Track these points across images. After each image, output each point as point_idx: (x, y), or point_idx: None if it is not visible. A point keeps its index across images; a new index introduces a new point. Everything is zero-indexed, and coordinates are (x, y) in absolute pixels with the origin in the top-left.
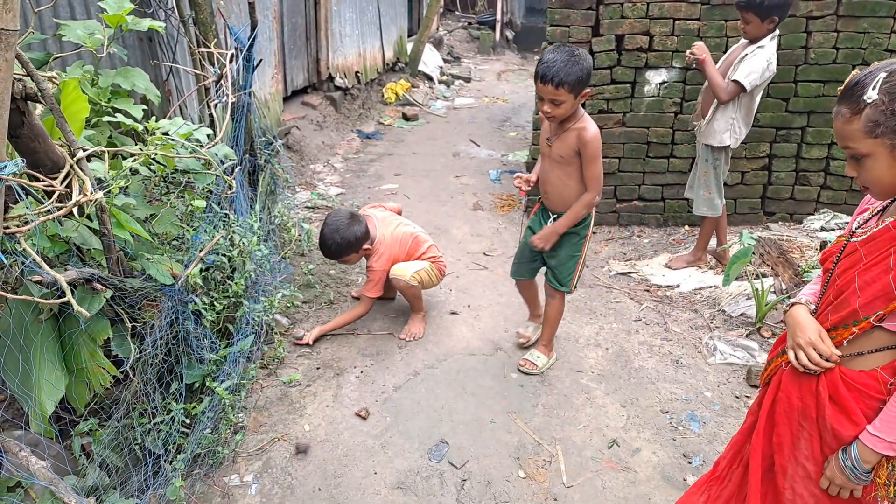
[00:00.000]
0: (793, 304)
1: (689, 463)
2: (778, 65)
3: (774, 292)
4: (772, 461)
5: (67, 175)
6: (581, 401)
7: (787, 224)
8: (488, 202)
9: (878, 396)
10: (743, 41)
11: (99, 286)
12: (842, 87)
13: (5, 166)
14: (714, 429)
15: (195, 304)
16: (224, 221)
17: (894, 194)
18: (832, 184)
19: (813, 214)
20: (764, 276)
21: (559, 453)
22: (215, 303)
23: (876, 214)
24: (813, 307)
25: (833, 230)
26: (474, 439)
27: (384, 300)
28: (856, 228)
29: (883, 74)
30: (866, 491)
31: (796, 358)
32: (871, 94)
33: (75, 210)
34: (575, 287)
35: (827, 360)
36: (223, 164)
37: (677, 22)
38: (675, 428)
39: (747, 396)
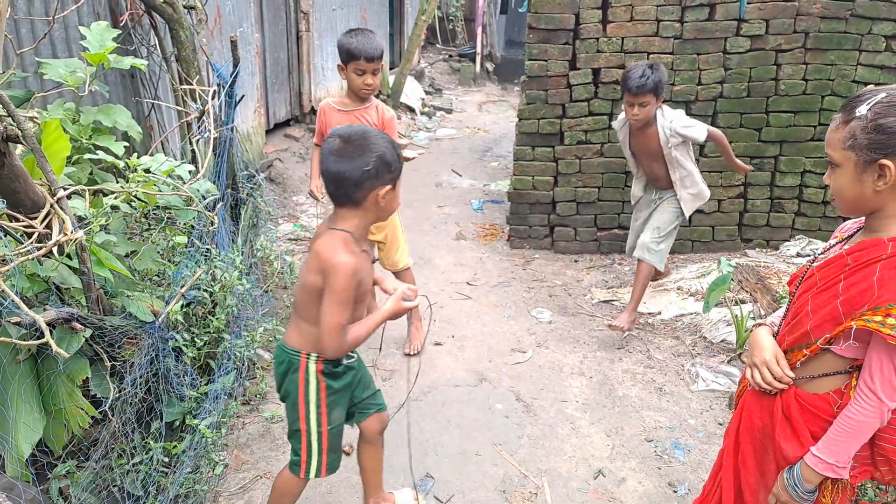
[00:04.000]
0: (757, 325)
1: (675, 492)
2: (749, 96)
3: (753, 318)
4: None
5: (47, 214)
6: (566, 431)
7: (764, 250)
8: (471, 231)
9: (829, 419)
10: (632, 126)
11: (78, 325)
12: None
13: None
14: (698, 456)
15: (176, 340)
16: (206, 256)
17: (855, 212)
18: (806, 210)
19: (789, 241)
20: (743, 302)
21: (545, 485)
22: (196, 339)
23: (841, 242)
24: (776, 329)
25: (808, 256)
26: (460, 472)
27: None
28: (819, 254)
29: (882, 95)
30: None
31: (752, 376)
32: (862, 109)
33: (55, 249)
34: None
35: (779, 380)
36: (205, 199)
37: (651, 56)
38: (659, 456)
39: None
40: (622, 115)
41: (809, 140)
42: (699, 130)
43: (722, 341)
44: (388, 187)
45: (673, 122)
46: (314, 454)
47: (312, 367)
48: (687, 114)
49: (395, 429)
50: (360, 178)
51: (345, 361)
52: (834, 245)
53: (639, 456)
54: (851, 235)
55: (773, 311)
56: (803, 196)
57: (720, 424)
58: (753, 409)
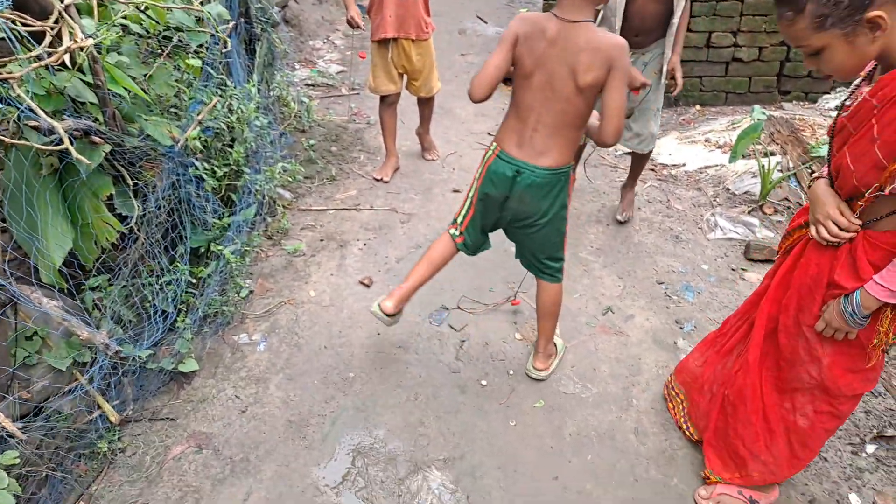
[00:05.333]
0: (815, 179)
1: (681, 328)
2: None
3: (781, 171)
4: (777, 323)
5: (57, 21)
6: (579, 272)
7: (801, 103)
8: None
9: (893, 251)
10: None
11: (97, 139)
12: None
13: None
14: (707, 298)
15: (196, 168)
16: (221, 89)
17: (857, 73)
18: None
19: (829, 93)
20: (772, 154)
21: None
22: (216, 169)
23: (864, 80)
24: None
25: None
26: (473, 305)
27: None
28: (846, 102)
29: None
30: (867, 339)
31: (818, 233)
32: None
33: (67, 59)
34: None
35: (847, 230)
36: (217, 24)
37: None
38: (669, 297)
39: (743, 269)
40: None
41: None
42: None
43: (745, 192)
44: None
45: None
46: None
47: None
48: None
49: (410, 265)
50: None
51: None
52: (857, 86)
53: (648, 296)
54: (871, 73)
55: (803, 164)
56: None
57: (733, 270)
58: (812, 257)
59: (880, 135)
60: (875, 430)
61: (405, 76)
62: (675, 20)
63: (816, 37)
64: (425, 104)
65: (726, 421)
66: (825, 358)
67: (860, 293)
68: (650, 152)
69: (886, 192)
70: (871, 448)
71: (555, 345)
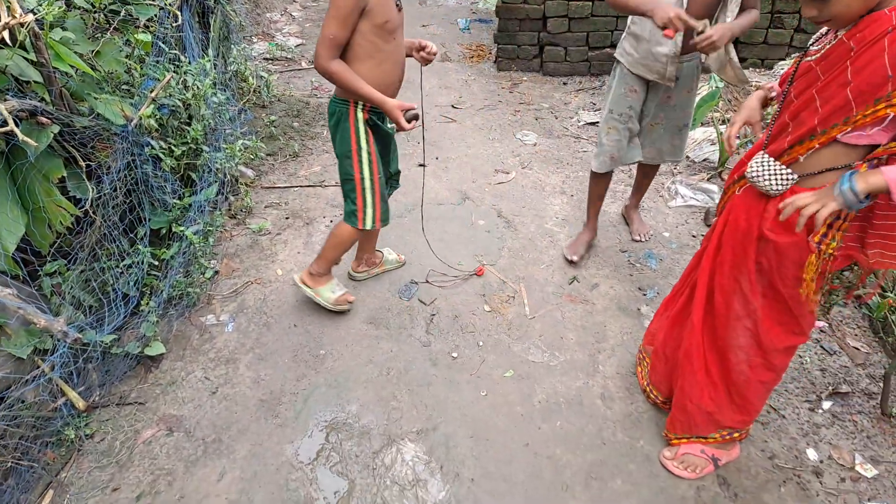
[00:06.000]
0: (756, 88)
1: (644, 295)
2: None
3: (738, 137)
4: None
5: None
6: (545, 243)
7: (757, 70)
8: (457, 53)
9: None
10: None
11: (44, 119)
12: None
13: None
14: (669, 265)
15: (152, 147)
16: (175, 64)
17: (857, 17)
18: (806, 26)
19: (784, 60)
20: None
21: (522, 290)
22: (173, 148)
23: (831, 30)
24: (773, 94)
25: None
26: (442, 279)
27: None
28: (811, 46)
29: None
30: (791, 284)
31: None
32: None
33: (7, 36)
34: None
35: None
36: None
37: None
38: (632, 265)
39: (703, 235)
40: None
41: None
42: None
43: (704, 160)
44: None
45: None
46: (369, 203)
47: (360, 115)
48: None
49: (378, 242)
50: None
51: (387, 125)
52: (823, 36)
53: (612, 265)
54: None
55: (760, 130)
56: None
57: (693, 236)
58: (740, 211)
59: (854, 78)
60: (830, 387)
61: None
62: (729, 14)
63: None
64: None
65: (678, 381)
66: (759, 309)
67: (870, 171)
68: (658, 166)
69: (854, 136)
70: (826, 404)
71: (321, 279)
